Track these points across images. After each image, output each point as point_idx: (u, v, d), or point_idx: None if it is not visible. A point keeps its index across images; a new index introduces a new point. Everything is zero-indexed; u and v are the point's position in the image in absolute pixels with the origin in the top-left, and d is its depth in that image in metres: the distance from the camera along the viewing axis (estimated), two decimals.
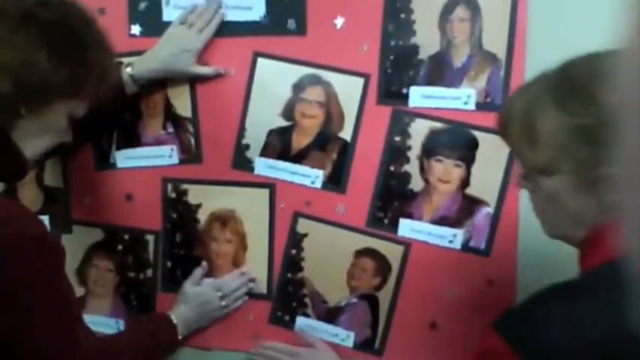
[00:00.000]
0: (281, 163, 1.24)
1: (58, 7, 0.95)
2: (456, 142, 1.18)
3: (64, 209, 1.30)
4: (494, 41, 1.17)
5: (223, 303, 1.24)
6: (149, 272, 1.29)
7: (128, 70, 1.18)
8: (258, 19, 1.23)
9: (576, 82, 0.79)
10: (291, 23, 1.22)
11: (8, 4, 0.92)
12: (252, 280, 1.26)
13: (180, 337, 1.20)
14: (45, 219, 1.30)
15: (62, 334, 0.93)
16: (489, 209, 1.18)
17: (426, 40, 1.19)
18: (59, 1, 0.95)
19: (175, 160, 1.27)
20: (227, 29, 1.23)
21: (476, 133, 1.18)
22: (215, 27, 1.22)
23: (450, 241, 1.19)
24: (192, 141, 1.26)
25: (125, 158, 1.28)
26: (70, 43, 0.94)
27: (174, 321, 1.19)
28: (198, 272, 1.25)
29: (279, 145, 1.24)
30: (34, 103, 0.92)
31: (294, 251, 1.25)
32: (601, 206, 0.77)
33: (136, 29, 1.26)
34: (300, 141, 1.24)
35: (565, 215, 0.82)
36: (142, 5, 1.26)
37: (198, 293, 1.23)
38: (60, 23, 0.93)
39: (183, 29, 1.21)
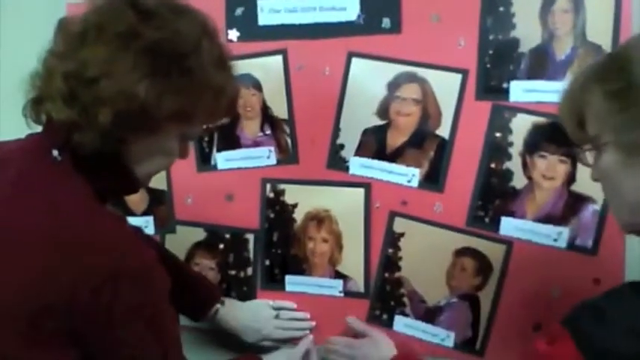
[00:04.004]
0: (376, 162, 1.24)
1: (166, 23, 0.83)
2: (561, 136, 1.13)
3: (168, 210, 1.35)
4: (599, 32, 1.13)
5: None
6: (249, 270, 1.32)
7: (218, 306, 1.25)
8: (352, 19, 1.24)
9: (617, 55, 0.80)
10: (386, 22, 1.22)
11: (107, 18, 0.82)
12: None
13: None
14: (150, 220, 1.36)
15: None
16: (596, 206, 1.14)
17: (527, 32, 1.16)
18: (171, 9, 0.84)
19: (273, 161, 1.29)
20: (322, 30, 1.25)
21: None
22: (296, 334, 1.27)
23: (555, 240, 1.15)
24: (289, 142, 1.28)
25: (225, 160, 1.32)
26: (175, 68, 0.82)
27: None
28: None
29: (375, 144, 1.24)
30: (138, 132, 0.84)
31: (391, 250, 1.25)
32: None
33: (233, 34, 1.30)
34: (395, 139, 1.24)
35: (622, 199, 0.79)
36: (239, 11, 1.30)
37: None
38: (166, 44, 0.82)
39: (270, 312, 1.28)
